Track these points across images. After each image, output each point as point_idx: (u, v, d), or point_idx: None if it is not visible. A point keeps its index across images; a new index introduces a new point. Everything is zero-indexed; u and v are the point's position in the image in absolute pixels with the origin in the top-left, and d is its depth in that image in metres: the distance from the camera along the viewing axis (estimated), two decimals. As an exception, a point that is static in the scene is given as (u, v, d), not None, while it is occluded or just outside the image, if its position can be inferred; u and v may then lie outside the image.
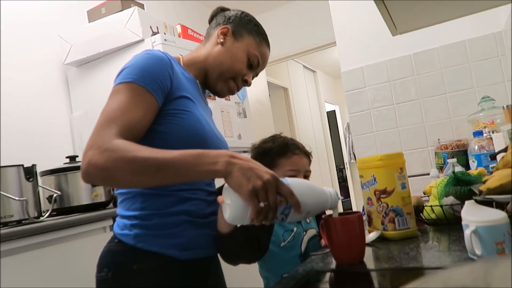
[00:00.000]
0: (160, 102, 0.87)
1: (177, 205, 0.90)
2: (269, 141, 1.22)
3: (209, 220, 0.94)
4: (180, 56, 1.05)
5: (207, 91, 1.11)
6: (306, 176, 1.21)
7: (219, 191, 0.94)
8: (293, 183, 0.78)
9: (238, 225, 0.85)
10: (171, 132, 0.89)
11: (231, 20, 1.07)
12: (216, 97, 1.14)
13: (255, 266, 1.18)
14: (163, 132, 0.89)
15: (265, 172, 0.74)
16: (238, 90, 1.08)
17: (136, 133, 0.82)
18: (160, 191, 0.89)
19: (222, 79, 1.04)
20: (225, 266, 1.06)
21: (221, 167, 0.74)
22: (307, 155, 1.23)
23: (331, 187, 0.86)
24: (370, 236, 0.94)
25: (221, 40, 1.04)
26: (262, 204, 0.72)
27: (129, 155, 0.75)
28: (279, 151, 1.18)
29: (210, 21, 1.11)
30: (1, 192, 1.51)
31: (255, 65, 1.07)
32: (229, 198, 0.76)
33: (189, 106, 0.92)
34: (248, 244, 0.93)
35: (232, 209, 0.75)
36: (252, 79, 1.10)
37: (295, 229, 1.14)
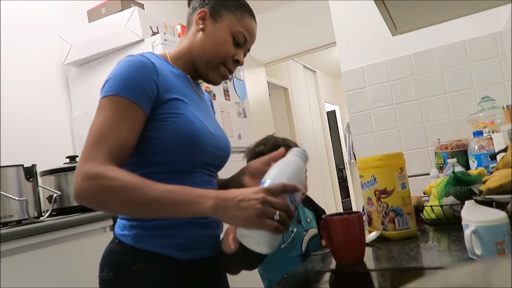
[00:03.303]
0: (147, 110, 0.86)
1: None
2: (261, 144, 1.22)
3: (210, 220, 0.93)
4: (166, 52, 1.02)
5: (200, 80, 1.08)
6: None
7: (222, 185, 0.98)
8: (275, 177, 0.77)
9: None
10: (164, 137, 0.87)
11: (206, 2, 1.00)
12: (216, 97, 1.14)
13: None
14: (156, 138, 0.87)
15: (253, 192, 0.73)
16: (232, 72, 1.03)
17: (126, 150, 0.83)
18: None
19: (212, 67, 0.99)
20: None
21: (209, 211, 0.74)
22: None
23: (296, 148, 0.85)
24: (370, 236, 0.94)
25: (201, 26, 0.98)
26: (277, 217, 0.70)
27: (118, 187, 0.76)
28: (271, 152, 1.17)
29: (189, 6, 1.06)
30: (1, 192, 1.51)
31: (242, 42, 1.00)
32: (246, 232, 0.74)
33: (180, 108, 0.90)
34: (252, 255, 0.93)
35: (261, 239, 0.73)
36: (245, 56, 1.05)
37: (295, 229, 1.14)
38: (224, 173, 1.09)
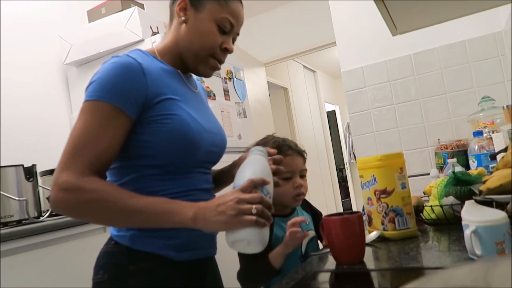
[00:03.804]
0: (133, 115, 0.83)
1: None
2: (261, 144, 1.21)
3: None
4: (154, 47, 0.97)
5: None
6: (303, 176, 1.21)
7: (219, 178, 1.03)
8: (242, 178, 0.81)
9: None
10: (158, 140, 0.85)
11: None
12: (216, 97, 1.13)
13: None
14: (150, 141, 0.85)
15: (227, 196, 0.76)
16: (222, 62, 0.98)
17: (107, 159, 0.81)
18: (157, 195, 0.85)
19: (200, 60, 0.94)
20: (224, 266, 1.06)
21: (190, 221, 0.76)
22: (300, 154, 1.22)
23: (254, 147, 0.91)
24: (370, 236, 0.94)
25: (183, 18, 0.93)
26: (254, 210, 0.73)
27: (98, 200, 0.76)
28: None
29: None
30: (1, 192, 1.51)
31: (228, 29, 0.94)
32: (234, 237, 0.76)
33: (172, 108, 0.86)
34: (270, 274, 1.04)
35: (250, 238, 0.75)
36: (234, 41, 1.00)
37: None
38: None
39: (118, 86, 0.81)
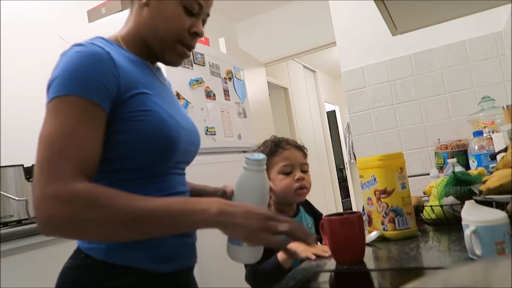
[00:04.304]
0: (107, 110, 0.73)
1: None
2: (261, 146, 1.24)
3: None
4: (116, 35, 0.86)
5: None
6: (304, 171, 1.22)
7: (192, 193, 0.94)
8: (248, 201, 0.76)
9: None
10: (135, 139, 0.75)
11: None
12: (216, 97, 1.12)
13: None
14: (126, 141, 0.75)
15: (255, 209, 0.69)
16: (192, 48, 0.88)
17: (94, 160, 0.70)
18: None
19: (167, 47, 0.85)
20: (222, 268, 1.06)
21: (214, 218, 0.66)
22: (299, 148, 1.24)
23: (245, 156, 0.80)
24: (370, 236, 0.94)
25: (144, 0, 0.83)
26: (284, 227, 0.68)
27: (99, 203, 0.64)
28: (270, 151, 1.20)
29: None
30: (1, 192, 1.51)
31: (196, 10, 0.85)
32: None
33: (147, 104, 0.77)
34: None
35: (253, 253, 0.75)
36: (205, 23, 0.90)
37: None
38: (225, 174, 1.09)
39: (90, 77, 0.71)
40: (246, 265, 1.11)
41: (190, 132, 0.88)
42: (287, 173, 1.18)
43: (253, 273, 1.09)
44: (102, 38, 0.82)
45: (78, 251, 0.80)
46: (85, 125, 0.69)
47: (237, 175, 0.80)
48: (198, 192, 0.96)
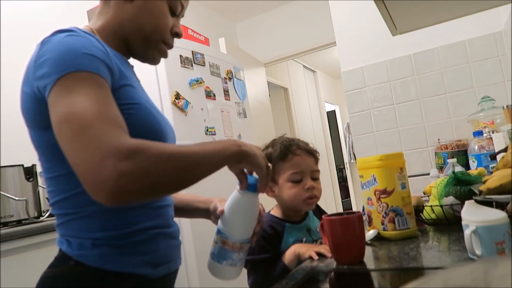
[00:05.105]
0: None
1: (148, 218, 0.78)
2: (269, 146, 1.15)
3: (175, 229, 0.86)
4: (91, 27, 0.83)
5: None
6: (315, 178, 1.15)
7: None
8: (235, 225, 0.84)
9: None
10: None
11: None
12: (216, 97, 1.11)
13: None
14: None
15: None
16: (171, 47, 0.88)
17: (126, 128, 0.67)
18: (134, 211, 0.76)
19: (150, 45, 0.84)
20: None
21: (239, 147, 0.74)
22: (311, 153, 1.16)
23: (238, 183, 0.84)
24: (368, 235, 0.94)
25: None
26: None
27: (166, 152, 0.63)
28: (279, 155, 1.11)
29: None
30: (1, 192, 1.51)
31: (179, 11, 0.86)
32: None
33: (134, 97, 0.76)
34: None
35: (237, 271, 0.84)
36: (179, 25, 0.90)
37: (304, 239, 1.11)
38: (224, 174, 1.07)
39: (92, 55, 0.69)
40: (249, 274, 1.09)
41: (171, 129, 0.89)
42: (296, 181, 1.10)
43: (262, 278, 1.05)
44: (78, 28, 0.77)
45: (63, 258, 0.75)
46: (107, 96, 0.67)
47: (230, 196, 0.85)
48: (188, 203, 0.98)
